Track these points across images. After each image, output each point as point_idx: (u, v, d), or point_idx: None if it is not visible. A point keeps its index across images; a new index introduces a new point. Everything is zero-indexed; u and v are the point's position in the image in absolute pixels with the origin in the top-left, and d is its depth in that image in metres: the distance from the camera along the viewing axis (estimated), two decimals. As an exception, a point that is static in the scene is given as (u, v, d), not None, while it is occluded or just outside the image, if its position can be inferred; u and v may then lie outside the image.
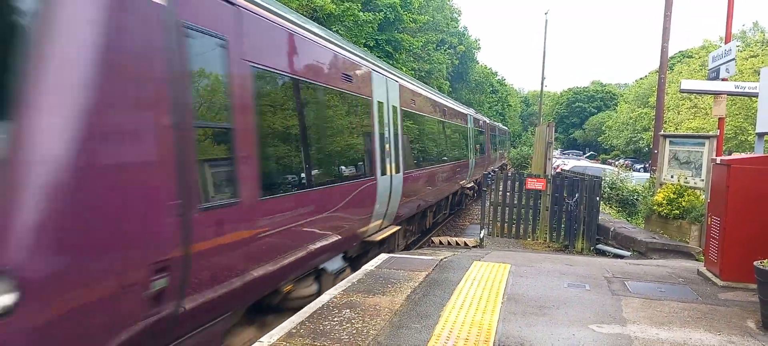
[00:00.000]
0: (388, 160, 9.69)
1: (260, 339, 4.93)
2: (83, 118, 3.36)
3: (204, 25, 4.56)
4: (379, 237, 9.32)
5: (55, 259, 3.21)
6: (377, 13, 23.41)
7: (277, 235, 5.69)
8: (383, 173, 9.36)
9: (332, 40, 8.01)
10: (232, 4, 5.05)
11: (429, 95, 14.66)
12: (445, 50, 43.53)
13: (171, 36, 4.11)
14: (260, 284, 5.46)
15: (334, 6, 19.30)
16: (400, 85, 11.16)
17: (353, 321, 5.44)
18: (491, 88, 69.38)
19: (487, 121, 30.03)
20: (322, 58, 7.28)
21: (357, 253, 8.86)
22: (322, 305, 5.96)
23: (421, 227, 14.26)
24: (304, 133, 6.55)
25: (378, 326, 5.34)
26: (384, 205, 9.52)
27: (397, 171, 10.28)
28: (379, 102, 9.47)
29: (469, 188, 20.26)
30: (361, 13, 21.69)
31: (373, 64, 9.81)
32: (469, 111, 23.05)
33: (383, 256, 8.64)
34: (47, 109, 3.24)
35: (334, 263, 7.72)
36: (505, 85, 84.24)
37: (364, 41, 23.10)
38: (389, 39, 27.43)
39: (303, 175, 6.46)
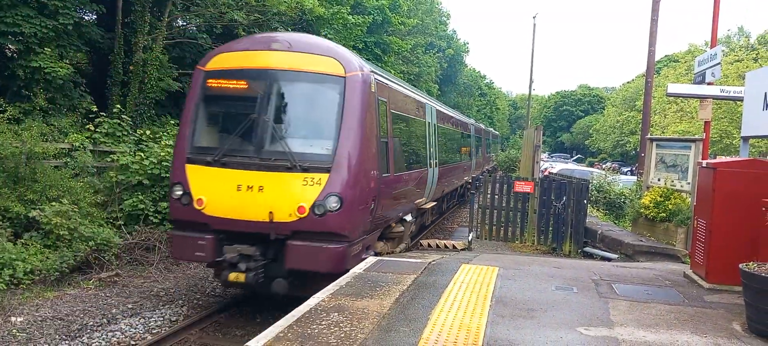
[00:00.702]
0: (430, 158, 14.02)
1: (247, 343, 4.89)
2: (358, 136, 8.11)
3: (381, 96, 9.40)
4: (426, 206, 13.86)
5: (350, 192, 7.85)
6: (366, 17, 23.38)
7: (398, 192, 10.47)
8: (429, 166, 13.73)
9: (416, 92, 14.47)
10: (387, 86, 10.06)
11: (450, 114, 20.40)
12: (434, 53, 43.61)
13: (375, 100, 8.85)
14: (389, 217, 10.09)
15: (324, 9, 19.26)
16: (436, 109, 15.97)
17: (341, 325, 5.41)
18: (480, 92, 69.57)
19: (483, 128, 34.18)
20: (412, 103, 12.53)
21: (415, 215, 12.68)
22: (310, 308, 5.92)
23: (439, 210, 18.08)
24: (409, 142, 11.85)
25: (366, 329, 5.32)
26: (428, 187, 13.71)
27: (434, 166, 14.30)
28: (427, 122, 14.11)
29: (471, 182, 24.31)
30: (350, 17, 21.66)
31: (426, 98, 15.74)
32: (471, 121, 27.71)
33: (372, 259, 8.61)
34: (345, 136, 8.01)
35: (409, 216, 11.72)
36: (494, 89, 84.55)
37: (353, 43, 23.06)
38: (378, 41, 27.43)
39: (407, 163, 11.44)
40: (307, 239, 7.80)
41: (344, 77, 8.24)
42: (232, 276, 7.75)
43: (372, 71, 9.13)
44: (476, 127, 28.60)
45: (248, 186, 7.84)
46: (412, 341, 5.11)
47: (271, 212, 7.71)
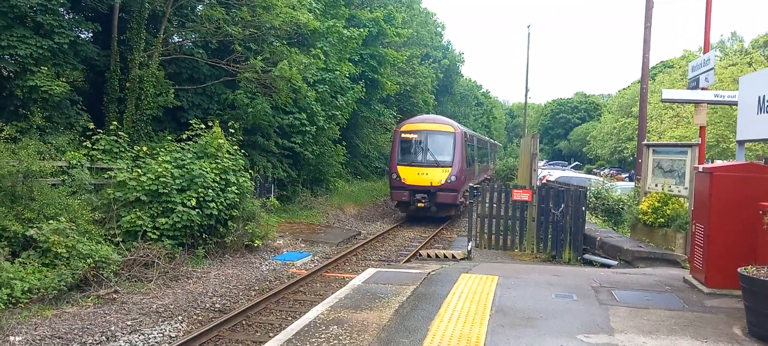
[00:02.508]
0: (475, 161, 25.80)
1: (246, 358, 4.88)
2: (459, 154, 20.88)
3: (470, 140, 24.26)
4: (474, 183, 21.23)
5: (456, 174, 20.44)
6: (361, 29, 23.49)
7: (467, 175, 22.45)
8: (476, 164, 25.80)
9: (474, 133, 29.97)
10: (466, 133, 23.12)
11: (484, 138, 37.24)
12: (429, 64, 43.73)
13: (463, 140, 21.51)
14: (466, 184, 20.54)
15: (319, 23, 19.34)
16: (477, 137, 29.06)
17: (340, 338, 5.39)
18: (476, 101, 69.76)
19: (494, 142, 47.59)
20: (470, 138, 25.05)
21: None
22: (309, 322, 5.91)
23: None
24: (471, 155, 24.17)
25: (365, 341, 5.30)
26: (476, 174, 25.16)
27: (477, 164, 26.51)
28: (475, 145, 26.02)
29: (488, 178, 32.58)
30: (345, 30, 21.77)
31: (473, 133, 29.94)
32: (489, 139, 42.71)
33: (371, 270, 8.61)
34: (455, 154, 20.79)
35: (471, 184, 18.19)
36: (490, 98, 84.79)
37: (348, 56, 23.15)
38: (373, 53, 27.52)
39: (469, 164, 23.13)
40: (443, 191, 19.96)
41: (454, 132, 21.19)
42: (420, 205, 19.89)
43: (463, 130, 22.69)
44: (492, 143, 41.91)
45: (421, 172, 20.13)
46: (412, 352, 5.10)
47: (431, 182, 19.89)
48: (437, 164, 20.29)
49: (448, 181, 19.99)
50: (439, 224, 20.62)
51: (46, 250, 9.56)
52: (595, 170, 58.88)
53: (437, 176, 20.01)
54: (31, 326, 8.21)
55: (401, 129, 21.53)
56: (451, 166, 20.20)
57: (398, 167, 20.42)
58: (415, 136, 21.00)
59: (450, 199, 20.04)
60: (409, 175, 20.15)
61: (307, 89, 18.07)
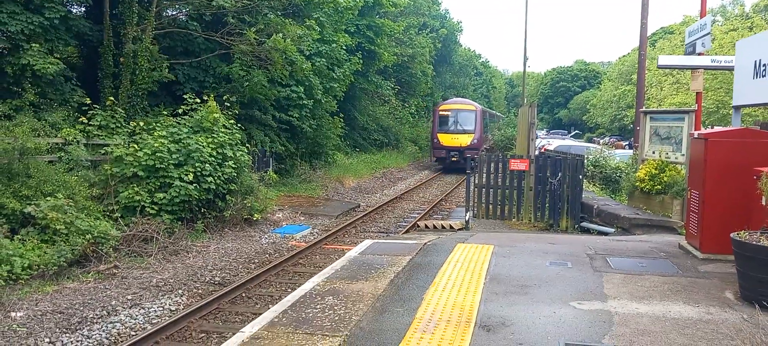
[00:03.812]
0: (489, 130, 35.59)
1: (242, 329, 4.93)
2: (479, 125, 30.80)
3: (485, 115, 34.06)
4: (488, 145, 33.26)
5: (477, 138, 30.29)
6: (357, 0, 23.25)
7: (484, 139, 33.02)
8: (490, 132, 36.12)
9: (489, 110, 45.67)
10: (484, 110, 34.83)
11: (495, 113, 50.45)
12: (427, 34, 43.38)
13: (482, 115, 32.00)
14: (483, 144, 32.16)
15: (314, -7, 19.16)
16: (490, 113, 40.82)
17: (336, 308, 5.45)
18: (475, 71, 69.35)
19: (500, 115, 54.03)
20: (487, 114, 37.16)
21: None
22: (305, 293, 5.96)
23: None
24: (486, 125, 34.08)
25: (361, 311, 5.36)
26: (489, 139, 34.96)
27: (489, 132, 36.10)
28: (487, 118, 35.86)
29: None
30: (341, 0, 21.53)
31: (490, 110, 46.95)
32: (498, 113, 54.12)
33: (367, 242, 8.66)
34: (477, 130, 30.56)
35: (485, 145, 32.44)
36: (490, 67, 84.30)
37: (344, 27, 22.95)
38: (370, 24, 27.28)
39: (484, 132, 33.29)
40: (469, 149, 28.62)
41: (475, 110, 31.34)
42: (453, 159, 29.70)
43: (482, 108, 33.41)
44: (498, 116, 49.72)
45: (453, 138, 30.09)
46: (405, 320, 5.16)
47: (461, 144, 29.75)
48: (464, 132, 30.24)
49: (472, 143, 29.73)
50: (460, 176, 27.25)
51: (44, 226, 9.60)
52: (595, 139, 58.81)
53: (465, 140, 29.99)
54: (32, 301, 8.29)
55: (439, 109, 32.20)
56: (473, 133, 30.14)
57: (438, 135, 30.66)
58: (449, 113, 31.26)
59: (474, 155, 27.33)
60: (446, 139, 30.33)
61: (304, 62, 17.94)
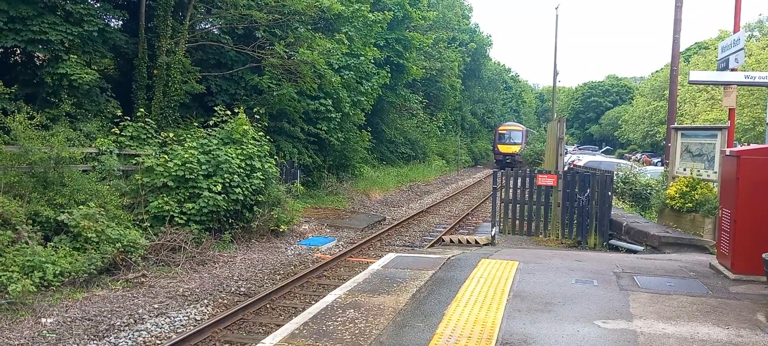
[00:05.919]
0: (529, 143, 45.77)
1: (263, 341, 4.97)
2: (524, 139, 45.40)
3: (527, 133, 48.37)
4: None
5: (522, 148, 44.90)
6: (386, 13, 23.39)
7: (529, 151, 40.87)
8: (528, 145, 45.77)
9: (520, 125, 52.95)
10: (528, 130, 52.96)
11: (530, 130, 55.04)
12: (456, 48, 43.39)
13: (526, 133, 47.54)
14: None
15: (343, 7, 19.33)
16: (527, 131, 50.34)
17: (357, 321, 5.45)
18: (505, 85, 68.99)
19: (533, 131, 59.11)
20: (528, 131, 51.38)
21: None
22: (327, 305, 5.98)
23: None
24: (529, 140, 47.19)
25: (381, 325, 5.35)
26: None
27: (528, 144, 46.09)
28: (526, 135, 47.63)
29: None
30: (370, 14, 21.70)
31: (529, 129, 56.96)
32: (533, 131, 58.54)
33: (390, 255, 8.65)
34: (522, 143, 44.64)
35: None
36: (519, 82, 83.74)
37: (373, 41, 23.10)
38: (399, 38, 27.40)
39: (528, 144, 45.75)
40: (517, 155, 42.43)
41: (522, 130, 47.23)
42: (507, 161, 41.65)
43: (526, 128, 50.47)
44: (533, 132, 55.90)
45: (507, 148, 45.05)
46: (426, 336, 5.13)
47: (512, 152, 44.10)
48: (514, 144, 44.52)
49: (519, 152, 41.82)
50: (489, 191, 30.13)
51: (76, 235, 9.83)
52: (626, 155, 57.85)
53: (514, 149, 43.71)
54: (62, 308, 8.49)
55: (498, 129, 47.86)
56: (520, 145, 43.59)
57: (498, 145, 45.82)
58: (505, 131, 46.33)
59: (520, 159, 38.75)
60: (503, 149, 44.94)
61: (332, 75, 18.10)
